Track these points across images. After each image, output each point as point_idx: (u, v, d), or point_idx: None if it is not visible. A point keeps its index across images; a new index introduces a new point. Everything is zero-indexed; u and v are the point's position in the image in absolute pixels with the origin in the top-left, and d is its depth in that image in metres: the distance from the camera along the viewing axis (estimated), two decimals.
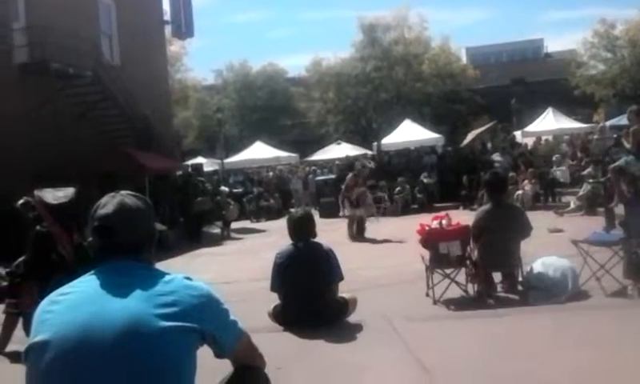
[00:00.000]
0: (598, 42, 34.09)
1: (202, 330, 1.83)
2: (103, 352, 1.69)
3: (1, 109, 13.50)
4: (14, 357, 4.72)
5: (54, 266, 4.82)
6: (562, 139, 24.33)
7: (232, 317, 1.98)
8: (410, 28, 37.17)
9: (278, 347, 4.60)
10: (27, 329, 4.33)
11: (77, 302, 1.79)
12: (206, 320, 1.84)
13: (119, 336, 1.70)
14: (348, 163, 20.35)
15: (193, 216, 16.68)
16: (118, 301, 1.76)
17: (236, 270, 10.27)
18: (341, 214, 14.57)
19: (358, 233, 13.04)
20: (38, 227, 5.03)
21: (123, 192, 1.99)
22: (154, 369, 1.71)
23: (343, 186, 13.86)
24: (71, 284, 1.88)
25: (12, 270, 5.37)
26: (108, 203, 1.94)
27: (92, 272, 1.88)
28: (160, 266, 2.00)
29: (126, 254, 1.90)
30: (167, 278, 1.87)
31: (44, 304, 1.84)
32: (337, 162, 23.55)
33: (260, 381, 2.13)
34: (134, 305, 1.75)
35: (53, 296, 1.85)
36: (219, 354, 1.97)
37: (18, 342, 4.72)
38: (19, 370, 1.94)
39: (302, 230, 5.36)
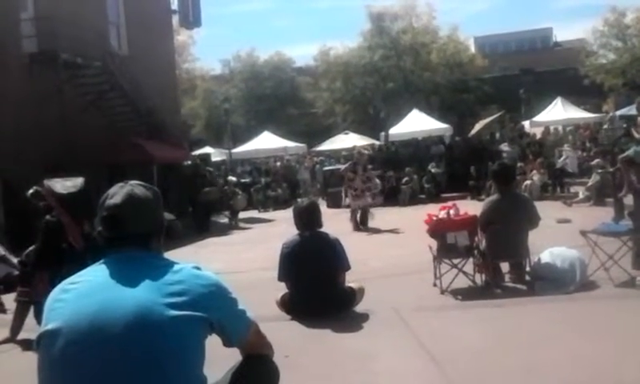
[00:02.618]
0: (608, 31, 33.79)
1: (211, 319, 1.85)
2: (113, 340, 1.71)
3: (10, 99, 13.57)
4: (26, 344, 4.77)
5: (64, 255, 4.86)
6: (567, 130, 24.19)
7: (241, 306, 1.99)
8: (418, 17, 37.02)
9: (285, 336, 4.62)
10: (38, 317, 4.37)
11: (87, 291, 1.81)
12: (215, 309, 1.86)
13: (128, 325, 1.72)
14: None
15: (201, 206, 16.75)
16: (127, 290, 1.78)
17: (244, 259, 10.31)
18: (343, 203, 14.55)
19: (362, 222, 13.02)
20: (47, 217, 5.07)
21: (132, 182, 2.01)
22: (162, 357, 1.73)
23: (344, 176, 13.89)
24: (81, 273, 1.90)
25: (23, 259, 5.42)
26: (117, 193, 1.95)
27: (101, 261, 1.90)
28: (168, 255, 2.01)
29: (135, 243, 1.91)
30: (176, 267, 1.88)
31: (55, 293, 1.87)
32: (344, 153, 23.53)
33: (269, 369, 2.15)
34: (143, 294, 1.77)
35: (63, 285, 1.87)
36: (228, 342, 1.99)
37: (30, 330, 4.77)
38: (31, 358, 1.97)
39: (308, 219, 5.38)
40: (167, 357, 1.74)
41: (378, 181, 14.78)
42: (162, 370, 1.73)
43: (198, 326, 1.82)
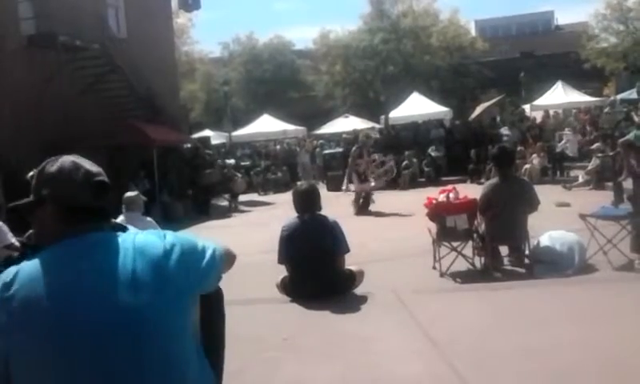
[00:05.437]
0: (610, 14, 33.50)
1: (194, 288, 1.75)
2: (102, 351, 1.58)
3: (8, 81, 13.51)
4: None
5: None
6: (570, 113, 24.10)
7: (209, 252, 1.83)
8: (418, 0, 36.76)
9: (285, 318, 4.66)
10: None
11: (56, 289, 1.61)
12: (194, 278, 1.75)
13: (116, 331, 1.59)
14: (355, 136, 20.29)
15: (201, 188, 16.76)
16: (104, 288, 1.61)
17: (244, 242, 10.27)
18: (344, 187, 14.54)
19: (363, 206, 13.02)
20: None
21: (77, 156, 1.82)
22: (157, 346, 1.63)
23: (350, 160, 13.82)
24: (38, 262, 1.65)
25: (24, 240, 5.43)
26: (80, 164, 1.75)
27: (65, 246, 1.68)
28: None
29: (103, 217, 1.77)
30: (143, 244, 1.70)
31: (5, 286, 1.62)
32: (344, 136, 23.47)
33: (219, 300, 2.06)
34: (127, 293, 1.62)
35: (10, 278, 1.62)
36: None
37: None
38: None
39: (307, 202, 5.39)
40: (162, 344, 1.63)
41: (392, 163, 14.90)
42: (159, 354, 1.63)
43: (187, 304, 1.72)
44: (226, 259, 1.94)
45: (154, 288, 1.64)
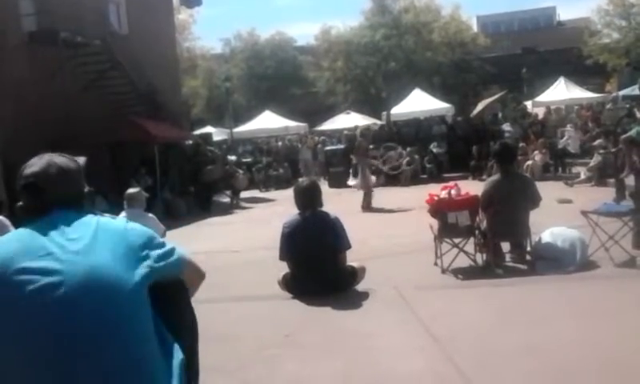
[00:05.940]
0: (613, 10, 33.39)
1: (152, 269, 1.82)
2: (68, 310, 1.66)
3: (10, 78, 13.51)
4: None
5: None
6: (572, 110, 24.05)
7: (168, 247, 1.93)
8: None
9: (286, 314, 4.66)
10: None
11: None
12: (153, 259, 1.84)
13: (83, 290, 1.68)
14: (354, 134, 20.21)
15: (203, 185, 16.76)
16: (74, 254, 1.74)
17: (246, 238, 10.33)
18: (351, 183, 14.45)
19: (366, 203, 12.98)
20: None
21: (52, 154, 1.98)
22: (118, 321, 1.70)
23: (355, 155, 13.73)
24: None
25: None
26: (36, 162, 1.92)
27: (36, 224, 1.83)
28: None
29: (70, 206, 1.88)
30: (106, 220, 1.88)
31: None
32: (345, 132, 23.44)
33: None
34: (95, 259, 1.74)
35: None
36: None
37: None
38: None
39: (308, 199, 5.39)
40: (123, 319, 1.70)
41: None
42: (119, 332, 1.69)
43: (142, 277, 1.79)
44: (192, 269, 2.03)
45: (112, 252, 1.77)
